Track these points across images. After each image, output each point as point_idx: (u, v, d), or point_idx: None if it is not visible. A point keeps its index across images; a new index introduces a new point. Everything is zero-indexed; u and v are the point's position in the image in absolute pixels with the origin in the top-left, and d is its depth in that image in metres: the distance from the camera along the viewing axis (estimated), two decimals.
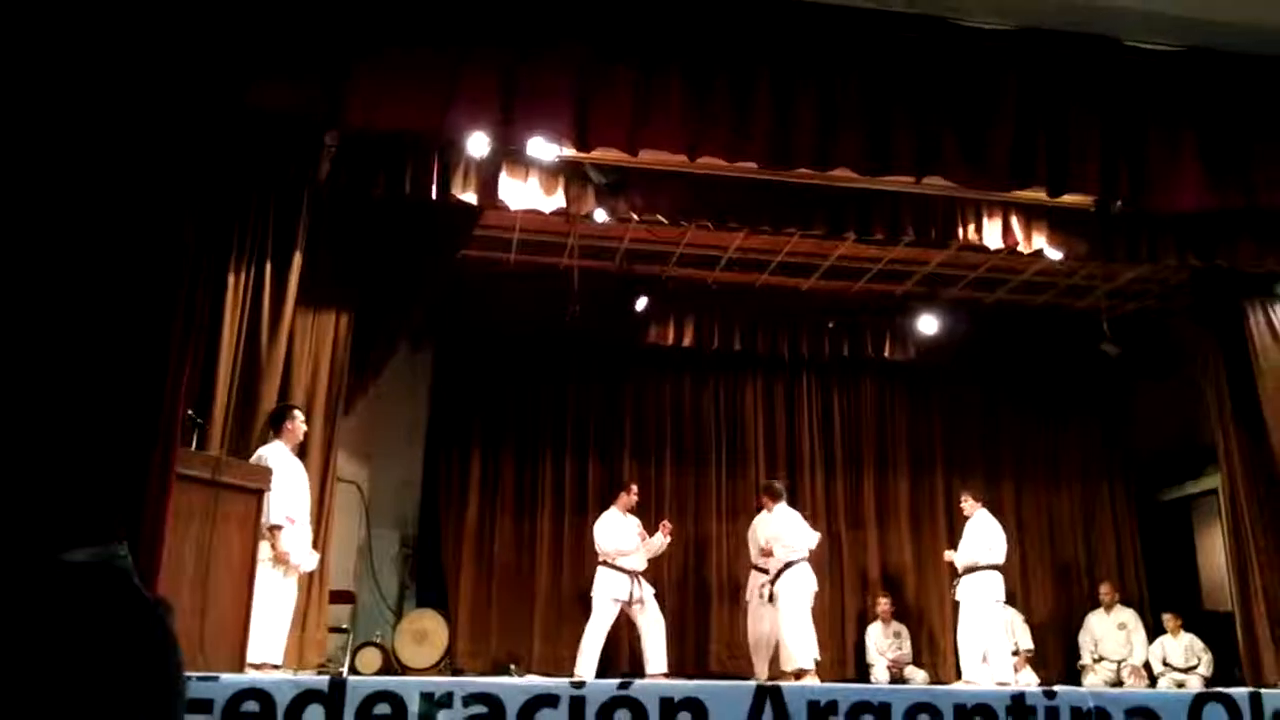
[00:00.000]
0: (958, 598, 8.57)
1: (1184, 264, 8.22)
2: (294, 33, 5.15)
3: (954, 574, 8.82)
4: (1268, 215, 7.18)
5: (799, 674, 7.75)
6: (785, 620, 8.03)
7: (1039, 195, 6.55)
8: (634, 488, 8.70)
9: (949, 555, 8.87)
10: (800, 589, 8.08)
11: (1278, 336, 8.72)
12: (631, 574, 8.13)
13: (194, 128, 4.97)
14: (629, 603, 8.05)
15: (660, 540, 8.44)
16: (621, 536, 8.26)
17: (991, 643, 8.26)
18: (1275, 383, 8.63)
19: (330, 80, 5.15)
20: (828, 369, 10.71)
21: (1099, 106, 6.14)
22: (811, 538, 8.36)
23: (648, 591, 8.18)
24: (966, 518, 8.80)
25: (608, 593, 8.06)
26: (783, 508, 8.53)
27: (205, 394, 5.88)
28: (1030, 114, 6.02)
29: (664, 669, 7.98)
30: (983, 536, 8.46)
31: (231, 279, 6.07)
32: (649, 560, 8.41)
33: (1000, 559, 8.40)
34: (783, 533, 8.35)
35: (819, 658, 8.13)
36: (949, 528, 10.45)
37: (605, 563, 8.19)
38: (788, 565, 8.13)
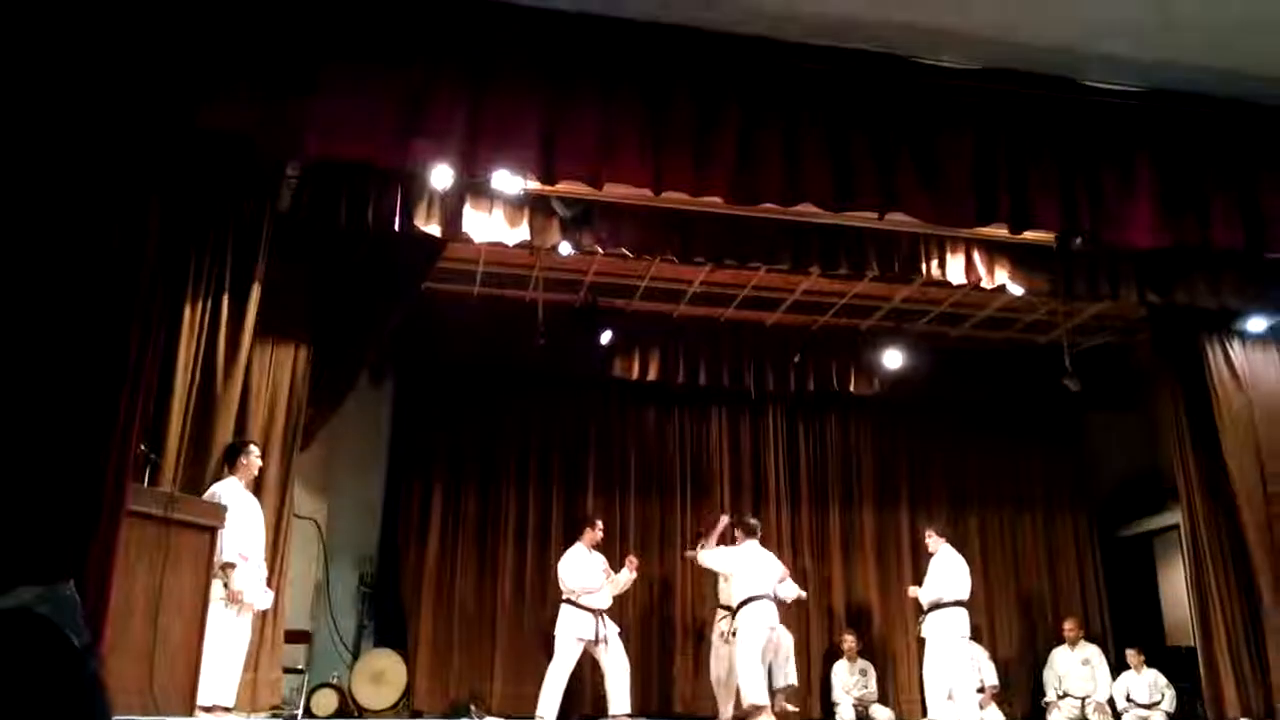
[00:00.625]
0: (923, 634, 8.53)
1: (1143, 300, 8.32)
2: (249, 61, 5.09)
3: (919, 610, 8.78)
4: (1223, 254, 7.29)
5: (751, 712, 7.67)
6: (738, 657, 7.93)
7: (1001, 232, 6.60)
8: (599, 523, 8.60)
9: (913, 591, 8.83)
10: (755, 626, 7.95)
11: (1235, 372, 8.84)
12: (596, 612, 8.01)
13: (147, 158, 4.88)
14: (593, 642, 7.93)
15: (626, 577, 8.34)
16: (586, 573, 8.15)
17: (957, 680, 8.21)
18: (1233, 418, 8.73)
19: (287, 109, 5.09)
20: (793, 403, 10.71)
21: (1059, 146, 6.22)
22: (774, 575, 8.26)
23: (612, 630, 8.06)
24: (931, 554, 8.78)
25: (571, 632, 7.93)
26: (752, 544, 8.44)
27: (158, 428, 5.74)
28: (992, 152, 6.08)
29: (627, 710, 7.85)
30: (946, 573, 8.43)
31: (188, 311, 5.94)
32: (613, 597, 8.30)
33: (964, 595, 8.37)
34: (738, 569, 8.30)
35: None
36: (914, 563, 10.43)
37: (569, 601, 8.07)
38: (747, 601, 8.04)
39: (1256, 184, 6.47)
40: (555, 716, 7.72)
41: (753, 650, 7.79)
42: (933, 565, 8.64)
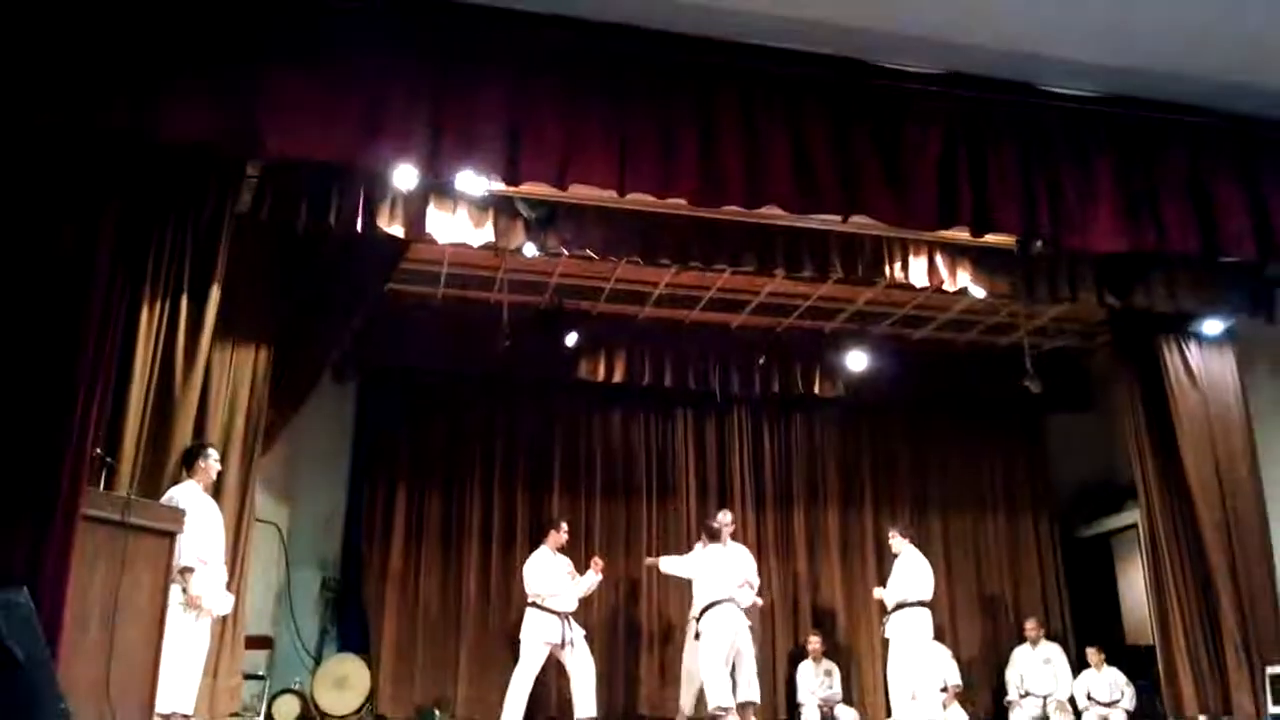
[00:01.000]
0: (887, 635, 8.55)
1: (1102, 303, 8.43)
2: (205, 57, 5.03)
3: (884, 611, 8.81)
4: (1180, 257, 7.41)
5: (716, 715, 7.69)
6: (702, 660, 7.93)
7: (963, 235, 6.66)
8: (564, 526, 8.57)
9: (878, 593, 8.86)
10: (718, 630, 7.91)
11: (1193, 373, 8.97)
12: (562, 615, 7.98)
13: (100, 159, 4.81)
14: (559, 645, 7.90)
15: (592, 579, 8.31)
16: (551, 577, 8.12)
17: (920, 680, 8.26)
18: (1191, 419, 8.87)
19: (244, 110, 5.03)
20: (758, 405, 10.74)
21: (1020, 150, 6.29)
22: (736, 580, 8.22)
23: (578, 633, 8.03)
24: (895, 555, 8.82)
25: (538, 635, 7.89)
26: (716, 548, 8.43)
27: (115, 431, 5.64)
28: (953, 156, 6.13)
29: (593, 713, 7.82)
30: (910, 574, 8.47)
31: (145, 312, 5.84)
32: (579, 599, 8.28)
33: (928, 595, 8.42)
34: (700, 573, 8.32)
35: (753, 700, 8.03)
36: (878, 563, 10.50)
37: (535, 604, 8.03)
38: (711, 605, 8.03)
39: (1211, 189, 6.57)
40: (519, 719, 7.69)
41: (717, 655, 7.78)
42: (896, 566, 8.68)
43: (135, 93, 4.91)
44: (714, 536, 8.39)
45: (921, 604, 8.32)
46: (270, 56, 5.17)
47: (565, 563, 8.36)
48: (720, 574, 8.12)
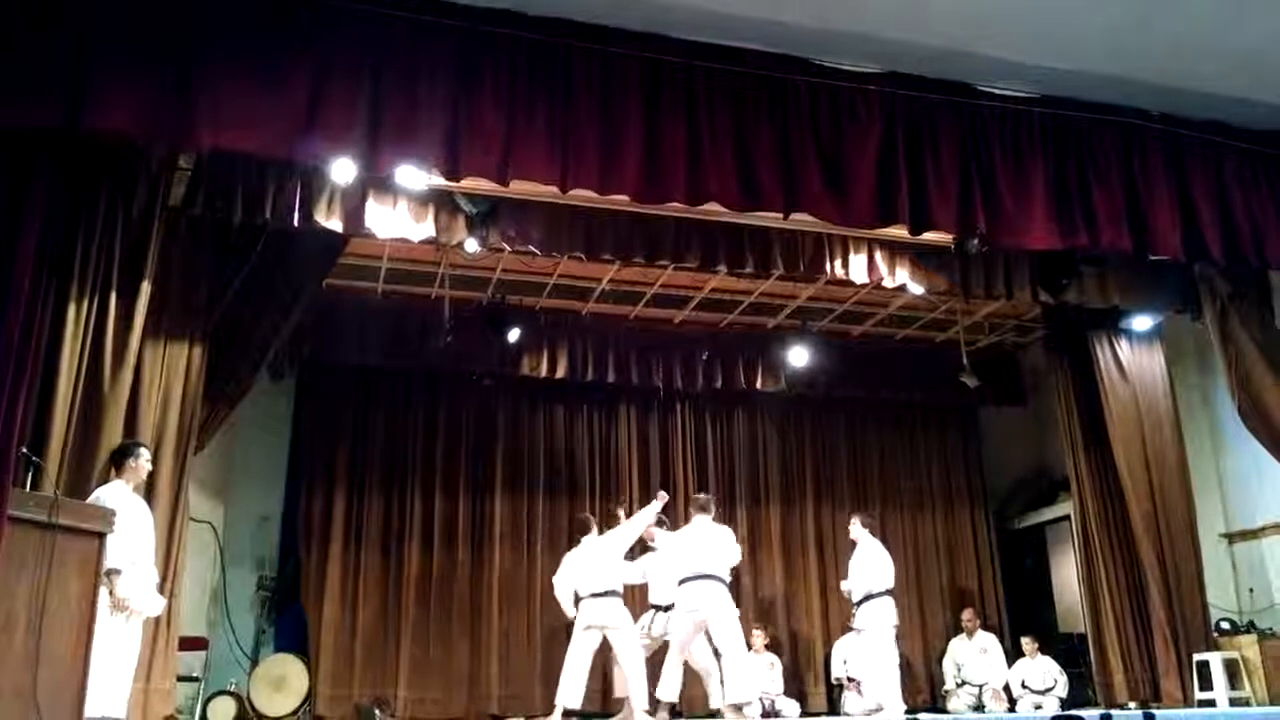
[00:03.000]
0: (857, 626, 8.41)
1: (1036, 300, 8.60)
2: (136, 44, 4.91)
3: (850, 603, 8.73)
4: (1112, 256, 7.58)
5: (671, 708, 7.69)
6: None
7: (902, 233, 6.74)
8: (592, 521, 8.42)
9: (844, 586, 8.74)
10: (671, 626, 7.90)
11: (1123, 369, 9.19)
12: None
13: (24, 151, 4.67)
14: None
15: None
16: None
17: (886, 669, 8.21)
18: (1121, 413, 9.08)
19: (176, 98, 4.92)
20: (700, 400, 10.78)
21: (957, 149, 6.39)
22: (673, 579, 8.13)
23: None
24: (853, 542, 8.68)
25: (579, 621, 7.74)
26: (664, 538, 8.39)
27: (41, 430, 5.48)
28: (892, 155, 6.21)
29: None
30: (872, 563, 8.38)
31: (72, 307, 5.67)
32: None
33: (891, 584, 8.30)
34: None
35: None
36: (819, 557, 10.63)
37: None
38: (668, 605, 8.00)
39: (1142, 189, 6.73)
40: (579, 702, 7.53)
41: (674, 649, 7.73)
42: (856, 556, 8.45)
43: (62, 80, 4.77)
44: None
45: (888, 593, 8.23)
46: (204, 45, 5.06)
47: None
48: (667, 577, 8.08)
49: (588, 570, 7.83)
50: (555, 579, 8.10)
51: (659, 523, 8.54)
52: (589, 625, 7.55)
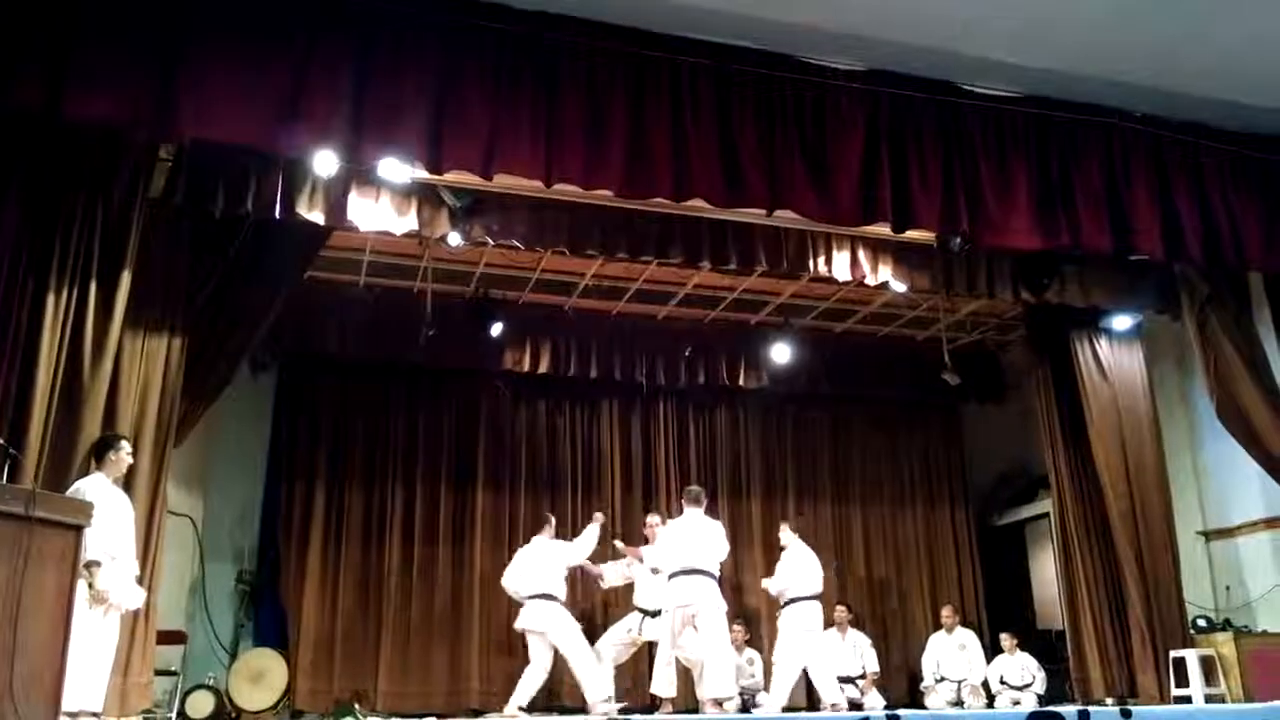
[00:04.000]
0: (779, 626, 8.57)
1: (1018, 298, 8.65)
2: (117, 33, 4.87)
3: (773, 603, 8.83)
4: (1093, 255, 7.63)
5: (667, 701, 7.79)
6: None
7: (885, 231, 6.76)
8: (552, 520, 8.58)
9: (765, 583, 8.82)
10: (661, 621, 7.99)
11: (1103, 367, 9.25)
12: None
13: (1, 134, 4.62)
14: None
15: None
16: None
17: (814, 668, 8.30)
18: (1101, 411, 9.14)
19: (158, 88, 4.88)
20: (683, 396, 10.78)
21: (940, 148, 6.41)
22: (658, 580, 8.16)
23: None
24: (782, 548, 8.78)
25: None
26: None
27: (19, 422, 5.44)
28: (876, 152, 6.23)
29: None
30: (797, 568, 8.47)
31: (51, 298, 5.63)
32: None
33: (817, 589, 8.39)
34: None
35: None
36: None
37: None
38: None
39: (1124, 190, 6.78)
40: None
41: (664, 646, 7.85)
42: (783, 560, 8.61)
43: (42, 68, 4.73)
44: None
45: (813, 597, 8.35)
46: (187, 35, 5.02)
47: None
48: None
49: (528, 572, 7.99)
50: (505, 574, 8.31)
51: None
52: (525, 628, 7.82)
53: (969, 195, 6.37)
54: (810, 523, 10.70)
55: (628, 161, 5.72)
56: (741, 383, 10.53)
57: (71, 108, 4.82)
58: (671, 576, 7.46)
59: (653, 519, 8.77)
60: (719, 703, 7.18)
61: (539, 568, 8.04)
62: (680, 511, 7.99)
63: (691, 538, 7.54)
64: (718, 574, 7.51)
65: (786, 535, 8.72)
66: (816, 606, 8.29)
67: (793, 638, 8.20)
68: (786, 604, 8.34)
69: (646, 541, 8.53)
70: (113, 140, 5.79)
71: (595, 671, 7.73)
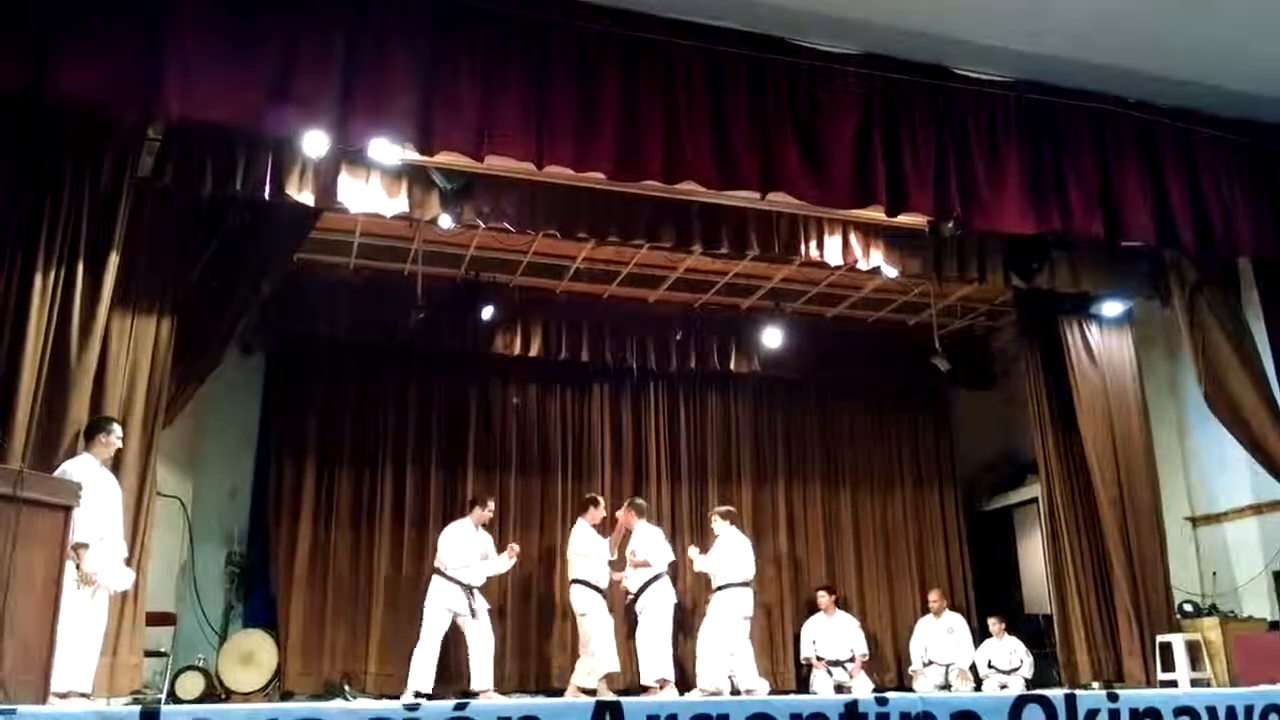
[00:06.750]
0: (708, 610, 8.60)
1: (1009, 284, 8.66)
2: (103, 10, 4.82)
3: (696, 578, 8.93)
4: (1083, 240, 7.65)
5: (661, 684, 7.87)
6: (643, 634, 8.11)
7: (877, 215, 6.77)
8: (490, 504, 8.48)
9: (693, 553, 8.84)
10: (662, 604, 8.19)
11: (1093, 353, 9.28)
12: (467, 587, 7.94)
13: None
14: (461, 615, 7.87)
15: (505, 563, 8.33)
16: (466, 550, 8.07)
17: (739, 654, 8.36)
18: (1090, 397, 9.17)
19: (145, 67, 4.84)
20: (674, 380, 10.78)
21: (933, 131, 6.41)
22: (669, 554, 8.53)
23: (481, 605, 8.02)
24: (715, 536, 8.79)
25: (441, 603, 7.86)
26: (644, 524, 8.58)
27: (7, 403, 5.42)
28: (868, 135, 6.22)
29: (490, 685, 7.83)
30: (730, 555, 8.54)
31: (38, 279, 5.60)
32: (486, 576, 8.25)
33: (748, 576, 8.47)
34: (639, 548, 8.42)
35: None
36: (789, 538, 10.68)
37: (440, 572, 7.98)
38: (653, 580, 8.23)
39: (1115, 175, 6.79)
40: (430, 687, 7.63)
41: (662, 627, 8.21)
42: (716, 547, 8.68)
43: (26, 47, 4.68)
44: (643, 514, 8.69)
45: (744, 584, 8.46)
46: (173, 13, 4.97)
47: (486, 539, 8.31)
48: (657, 549, 8.47)
49: (462, 553, 8.09)
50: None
51: (640, 512, 8.61)
52: (447, 608, 7.88)
53: (961, 178, 6.37)
54: (801, 505, 10.78)
55: (619, 143, 5.70)
56: (732, 367, 10.54)
57: (56, 87, 4.77)
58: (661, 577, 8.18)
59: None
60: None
61: (471, 552, 8.15)
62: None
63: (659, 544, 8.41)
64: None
65: (718, 525, 8.79)
66: (748, 593, 8.45)
67: (722, 622, 8.26)
68: (719, 589, 8.42)
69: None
70: (100, 120, 5.75)
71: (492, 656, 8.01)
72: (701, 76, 5.99)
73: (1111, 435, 9.08)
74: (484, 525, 8.36)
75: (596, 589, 8.32)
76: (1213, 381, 8.06)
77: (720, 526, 8.78)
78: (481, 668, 7.84)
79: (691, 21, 6.03)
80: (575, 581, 8.38)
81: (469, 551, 8.07)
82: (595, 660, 8.10)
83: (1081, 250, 8.36)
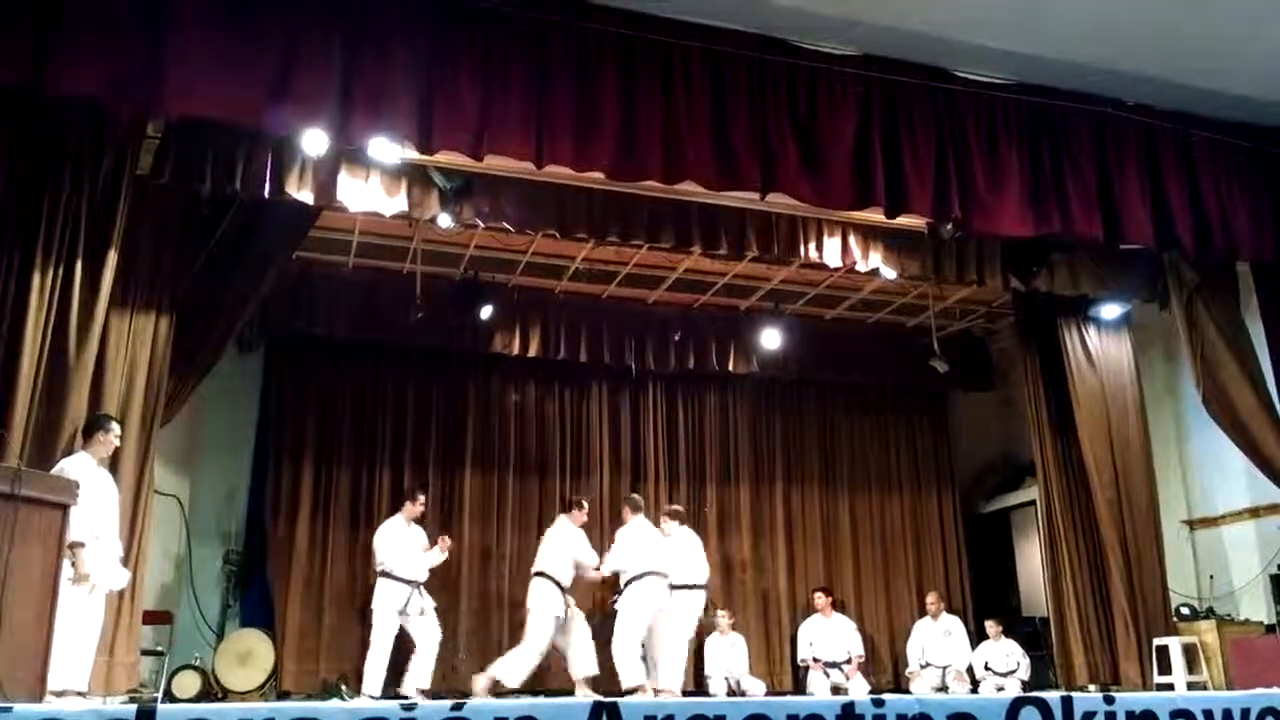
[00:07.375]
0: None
1: (1007, 286, 8.66)
2: (103, 6, 4.81)
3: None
4: (1082, 243, 7.65)
5: (637, 690, 7.72)
6: (615, 637, 7.95)
7: (876, 217, 6.77)
8: (421, 497, 8.52)
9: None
10: (642, 604, 7.96)
11: (1091, 356, 9.28)
12: (411, 584, 7.97)
13: None
14: (405, 614, 7.93)
15: (438, 556, 8.37)
16: (400, 546, 8.10)
17: (669, 652, 8.17)
18: (1088, 400, 9.18)
19: (144, 63, 4.83)
20: (672, 380, 10.78)
21: (933, 134, 6.41)
22: (655, 557, 8.25)
23: (428, 603, 8.07)
24: (666, 537, 8.65)
25: (389, 604, 7.92)
26: (639, 520, 8.43)
27: (4, 401, 5.41)
28: (868, 137, 6.22)
29: (427, 685, 7.89)
30: (684, 557, 8.53)
31: (37, 276, 5.59)
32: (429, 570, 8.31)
33: (655, 566, 8.13)
34: (618, 542, 8.34)
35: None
36: (787, 538, 10.67)
37: (384, 573, 8.02)
38: (634, 579, 8.05)
39: (1114, 178, 6.79)
40: (380, 690, 7.65)
41: (637, 629, 7.92)
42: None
43: (26, 43, 4.67)
44: (639, 509, 8.52)
45: (696, 586, 8.48)
46: (173, 10, 4.97)
47: (419, 534, 8.34)
48: (648, 549, 8.27)
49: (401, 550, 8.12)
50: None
51: (634, 508, 8.56)
52: (395, 609, 7.92)
53: (961, 181, 6.37)
54: (799, 506, 10.78)
55: (619, 143, 5.70)
56: (731, 368, 10.54)
57: (56, 84, 4.77)
58: (643, 576, 7.95)
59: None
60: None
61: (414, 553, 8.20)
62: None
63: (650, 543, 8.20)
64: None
65: (669, 525, 8.74)
66: (702, 595, 8.59)
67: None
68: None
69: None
70: (99, 117, 5.74)
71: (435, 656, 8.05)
72: (701, 77, 5.99)
73: (1109, 438, 9.08)
74: (418, 520, 8.38)
75: (557, 584, 8.15)
76: (1211, 384, 8.05)
77: (671, 527, 8.74)
78: (424, 667, 7.91)
79: (691, 22, 6.03)
80: (537, 574, 8.27)
81: (407, 547, 8.10)
82: (527, 658, 8.04)
83: (1080, 253, 8.36)
